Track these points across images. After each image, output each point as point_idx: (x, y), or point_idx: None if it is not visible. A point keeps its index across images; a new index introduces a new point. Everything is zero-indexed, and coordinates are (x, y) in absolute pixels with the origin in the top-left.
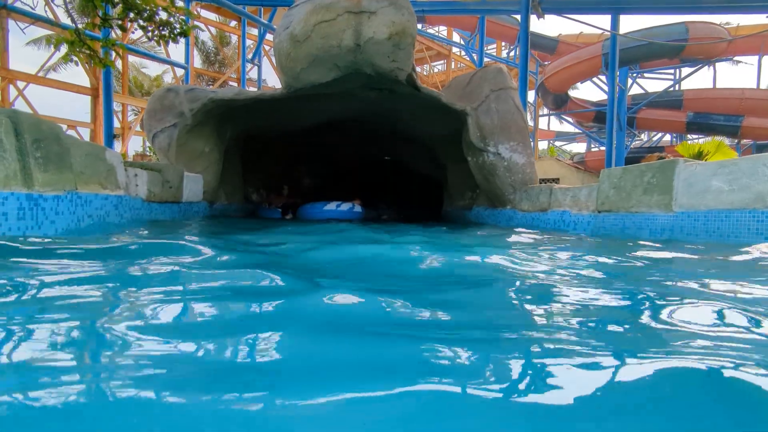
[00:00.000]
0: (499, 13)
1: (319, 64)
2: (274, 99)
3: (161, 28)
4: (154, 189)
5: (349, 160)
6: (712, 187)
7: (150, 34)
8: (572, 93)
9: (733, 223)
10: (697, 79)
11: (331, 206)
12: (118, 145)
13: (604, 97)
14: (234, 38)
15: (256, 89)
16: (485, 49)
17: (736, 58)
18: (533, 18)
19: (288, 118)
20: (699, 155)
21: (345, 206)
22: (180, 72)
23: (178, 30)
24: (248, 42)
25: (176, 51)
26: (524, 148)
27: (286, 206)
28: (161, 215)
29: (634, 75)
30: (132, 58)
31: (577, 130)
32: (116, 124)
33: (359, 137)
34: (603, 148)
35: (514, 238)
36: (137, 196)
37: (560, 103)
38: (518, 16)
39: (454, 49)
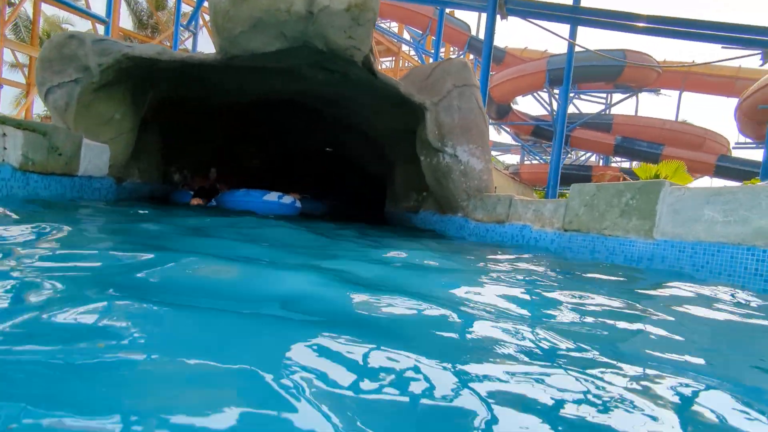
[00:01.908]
0: (464, 8)
1: (263, 29)
2: (205, 64)
3: None
4: (34, 156)
5: (291, 148)
6: (704, 217)
7: None
8: (513, 106)
9: (725, 260)
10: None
11: (257, 196)
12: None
13: (543, 112)
14: (171, 2)
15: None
16: (431, 51)
17: (650, 92)
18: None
19: (222, 91)
20: (656, 177)
21: (274, 197)
22: (102, 29)
23: None
24: (186, 9)
25: (99, 3)
26: (483, 152)
27: (204, 191)
28: (44, 191)
29: (572, 96)
30: (50, 10)
31: (513, 142)
32: (21, 79)
33: (303, 123)
34: (535, 162)
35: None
36: (4, 163)
37: (502, 114)
38: (469, 22)
39: (404, 48)
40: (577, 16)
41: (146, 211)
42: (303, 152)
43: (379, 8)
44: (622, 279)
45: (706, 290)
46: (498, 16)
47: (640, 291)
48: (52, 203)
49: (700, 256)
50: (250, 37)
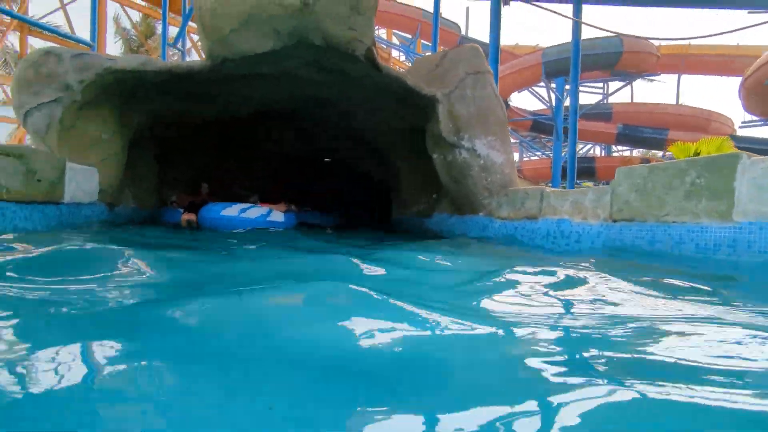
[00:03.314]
0: None
1: (254, 26)
2: (194, 72)
3: None
4: (9, 182)
5: (289, 158)
6: None
7: None
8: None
9: None
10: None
11: (232, 211)
12: None
13: (541, 107)
14: (160, 30)
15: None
16: (423, 54)
17: (651, 77)
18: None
19: (215, 103)
20: (696, 155)
21: (258, 212)
22: None
23: None
24: (174, 32)
25: (83, 28)
26: (503, 144)
27: (195, 207)
28: (24, 222)
29: (568, 87)
30: (38, 42)
31: (512, 140)
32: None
33: (301, 132)
34: (535, 158)
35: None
36: None
37: None
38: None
39: (394, 53)
40: None
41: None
42: (302, 161)
43: None
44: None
45: None
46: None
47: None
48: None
49: None
50: (240, 36)
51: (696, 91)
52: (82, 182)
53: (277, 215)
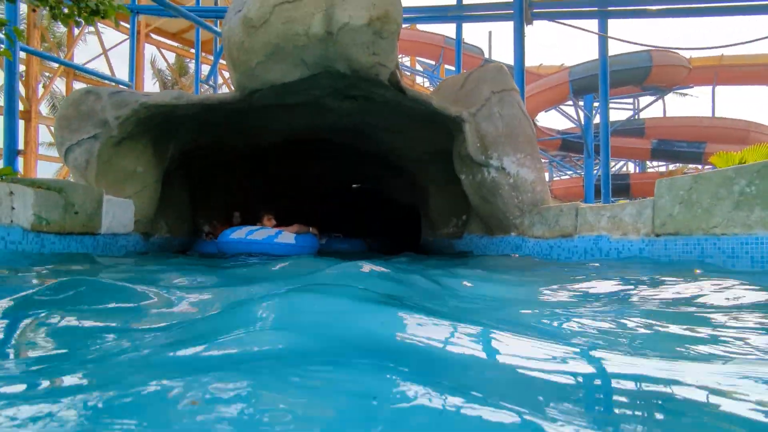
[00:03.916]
0: (487, 20)
1: (281, 57)
2: (225, 104)
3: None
4: (50, 215)
5: (318, 186)
6: None
7: (56, 11)
8: (537, 122)
9: None
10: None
11: (240, 234)
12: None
13: (569, 125)
14: (193, 69)
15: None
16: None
17: (682, 91)
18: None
19: (244, 134)
20: (741, 164)
21: (265, 234)
22: None
23: (94, 8)
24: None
25: (123, 70)
26: (533, 161)
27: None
28: (64, 251)
29: (596, 105)
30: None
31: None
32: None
33: (329, 159)
34: (565, 177)
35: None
36: (12, 224)
37: None
38: (481, 44)
39: (418, 79)
40: (605, 9)
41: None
42: (331, 189)
43: (401, 19)
44: None
45: None
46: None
47: None
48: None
49: None
50: (267, 67)
51: (733, 103)
52: (119, 214)
53: (287, 237)
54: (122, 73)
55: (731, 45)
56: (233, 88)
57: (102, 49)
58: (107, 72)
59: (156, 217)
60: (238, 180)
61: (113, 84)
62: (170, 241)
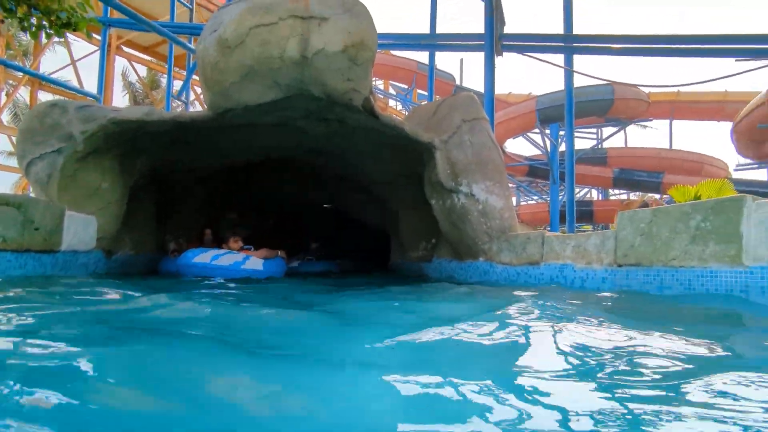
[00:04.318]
0: (458, 49)
1: (255, 79)
2: (197, 122)
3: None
4: (6, 232)
5: (289, 206)
6: None
7: (25, 23)
8: (505, 148)
9: None
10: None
11: (205, 258)
12: None
13: (536, 152)
14: (164, 82)
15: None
16: (419, 103)
17: (642, 123)
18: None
19: (216, 152)
20: (697, 199)
21: (232, 259)
22: None
23: (65, 20)
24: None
25: (92, 82)
26: (502, 189)
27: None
28: (18, 270)
29: (562, 133)
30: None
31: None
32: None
33: (300, 179)
34: (532, 202)
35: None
36: None
37: None
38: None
39: (390, 103)
40: (571, 45)
41: None
42: (302, 210)
43: (376, 47)
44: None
45: None
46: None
47: None
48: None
49: None
50: (241, 88)
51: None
52: (80, 231)
53: (255, 263)
54: (91, 85)
55: (687, 84)
56: (206, 107)
57: (71, 59)
58: (75, 83)
59: (120, 234)
60: (210, 198)
61: (81, 96)
62: (134, 259)
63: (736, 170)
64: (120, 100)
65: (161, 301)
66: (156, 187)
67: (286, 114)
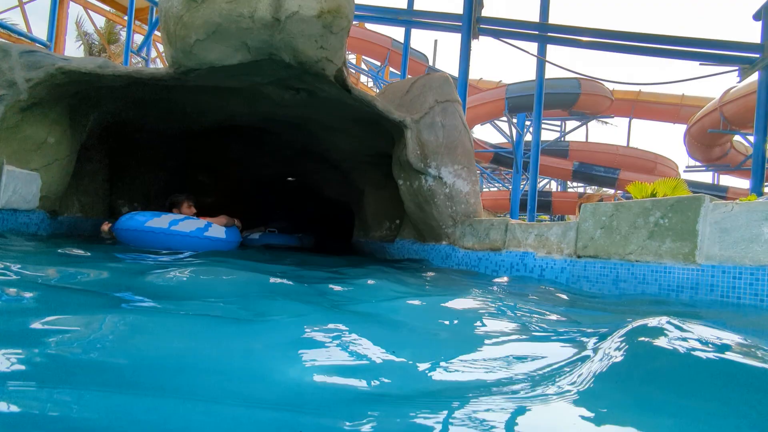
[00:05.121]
0: (436, 28)
1: (222, 38)
2: (156, 80)
3: None
4: None
5: (252, 177)
6: (764, 236)
7: None
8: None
9: None
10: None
11: (161, 222)
12: None
13: (502, 140)
14: (124, 37)
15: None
16: (391, 81)
17: (604, 119)
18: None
19: (176, 114)
20: (653, 196)
21: (194, 225)
22: None
23: None
24: (140, 38)
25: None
26: (469, 173)
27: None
28: None
29: (528, 123)
30: None
31: None
32: None
33: (266, 150)
34: (494, 188)
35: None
36: None
37: None
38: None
39: (362, 78)
40: (545, 35)
41: None
42: (265, 181)
43: (353, 16)
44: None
45: None
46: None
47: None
48: None
49: (764, 283)
50: (207, 47)
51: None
52: (21, 188)
53: (218, 230)
54: (41, 31)
55: (650, 84)
56: (167, 64)
57: (18, 1)
58: (23, 27)
59: (68, 195)
60: (167, 163)
61: (28, 41)
62: (82, 222)
63: (684, 171)
64: (73, 51)
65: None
66: (111, 147)
67: (254, 80)
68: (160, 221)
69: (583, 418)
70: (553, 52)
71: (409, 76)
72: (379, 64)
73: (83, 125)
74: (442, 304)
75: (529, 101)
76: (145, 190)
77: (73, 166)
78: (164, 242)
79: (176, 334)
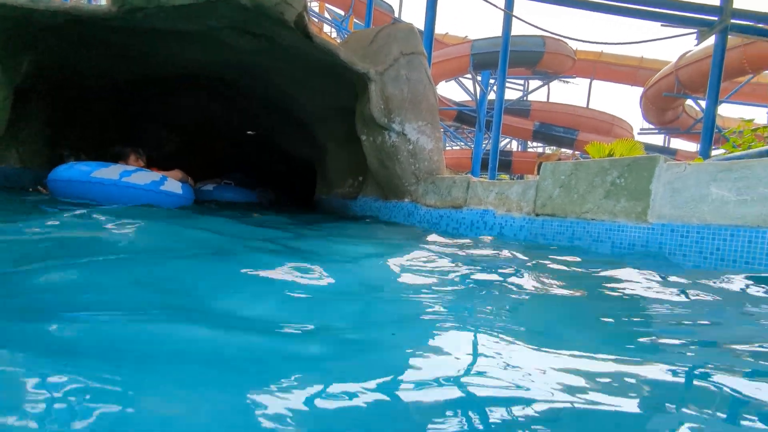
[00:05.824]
0: None
1: None
2: (98, 19)
3: None
4: None
5: (210, 129)
6: (711, 196)
7: None
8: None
9: (742, 245)
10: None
11: (110, 173)
12: None
13: (466, 98)
14: None
15: None
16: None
17: (566, 79)
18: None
19: (126, 60)
20: (610, 156)
21: (148, 178)
22: None
23: None
24: None
25: None
26: (433, 130)
27: None
28: None
29: (492, 81)
30: None
31: None
32: None
33: (222, 101)
34: (456, 147)
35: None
36: None
37: None
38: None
39: (325, 28)
40: None
41: None
42: (224, 135)
43: None
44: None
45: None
46: None
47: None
48: None
49: (708, 242)
50: None
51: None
52: None
53: (174, 185)
54: None
55: (613, 44)
56: (110, 1)
57: None
58: None
59: (4, 144)
60: (117, 111)
61: None
62: (22, 174)
63: (639, 134)
64: None
65: None
66: (50, 94)
67: (209, 23)
68: (108, 171)
69: None
70: (521, 9)
71: (374, 26)
72: (343, 13)
73: (17, 68)
74: (389, 258)
75: (494, 58)
76: (94, 140)
77: (8, 112)
78: (113, 195)
79: None
